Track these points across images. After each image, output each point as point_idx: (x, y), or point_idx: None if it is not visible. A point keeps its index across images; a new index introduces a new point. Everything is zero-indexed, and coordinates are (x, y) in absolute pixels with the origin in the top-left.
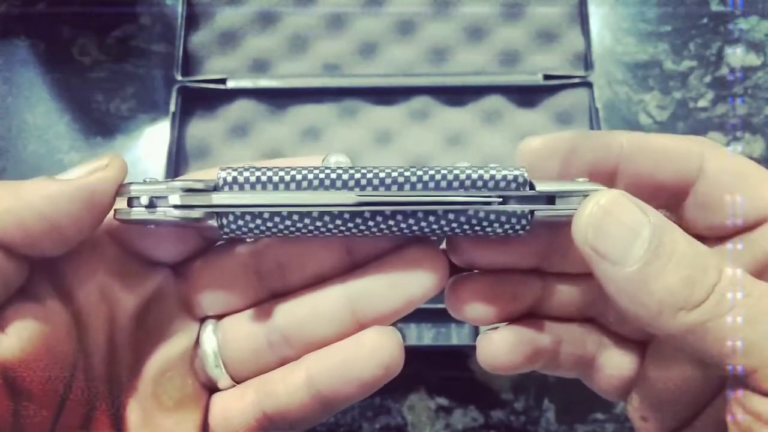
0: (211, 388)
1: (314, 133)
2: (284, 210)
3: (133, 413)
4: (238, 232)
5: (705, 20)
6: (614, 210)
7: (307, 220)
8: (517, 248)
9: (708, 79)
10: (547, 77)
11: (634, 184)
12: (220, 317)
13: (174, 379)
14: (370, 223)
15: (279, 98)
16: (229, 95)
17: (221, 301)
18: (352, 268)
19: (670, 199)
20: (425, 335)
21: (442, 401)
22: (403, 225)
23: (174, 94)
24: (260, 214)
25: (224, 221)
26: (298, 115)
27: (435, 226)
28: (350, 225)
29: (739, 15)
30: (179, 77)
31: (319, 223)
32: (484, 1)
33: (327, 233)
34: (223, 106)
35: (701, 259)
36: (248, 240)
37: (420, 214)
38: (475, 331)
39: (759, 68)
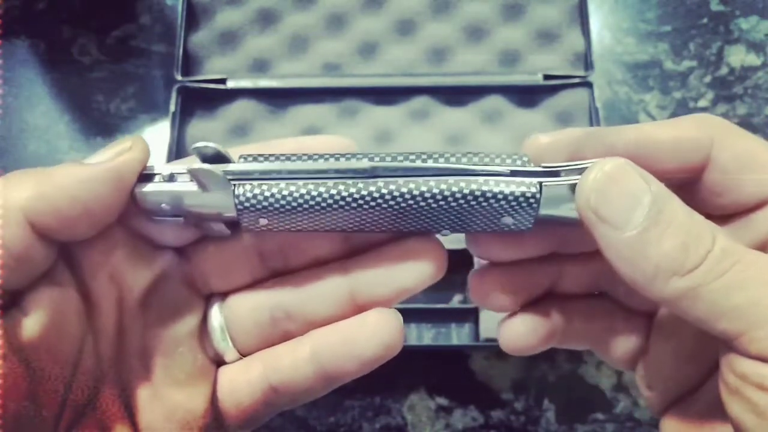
0: (219, 362)
1: (314, 133)
2: (301, 178)
3: (142, 389)
4: (253, 202)
5: (705, 20)
6: (617, 177)
7: (322, 189)
8: (534, 238)
9: (708, 79)
10: (547, 77)
11: None
12: (225, 294)
13: (185, 354)
14: (384, 191)
15: (279, 98)
16: (229, 95)
17: (225, 279)
18: (351, 254)
19: (680, 185)
20: (425, 335)
21: (442, 401)
22: (416, 194)
23: (174, 94)
24: (277, 184)
25: (241, 191)
26: (298, 115)
27: (447, 194)
28: (364, 194)
29: (739, 15)
30: (179, 77)
31: (334, 192)
32: (484, 1)
33: (343, 205)
34: (223, 106)
35: (697, 228)
36: (262, 222)
37: (432, 183)
38: (475, 332)
39: (759, 68)
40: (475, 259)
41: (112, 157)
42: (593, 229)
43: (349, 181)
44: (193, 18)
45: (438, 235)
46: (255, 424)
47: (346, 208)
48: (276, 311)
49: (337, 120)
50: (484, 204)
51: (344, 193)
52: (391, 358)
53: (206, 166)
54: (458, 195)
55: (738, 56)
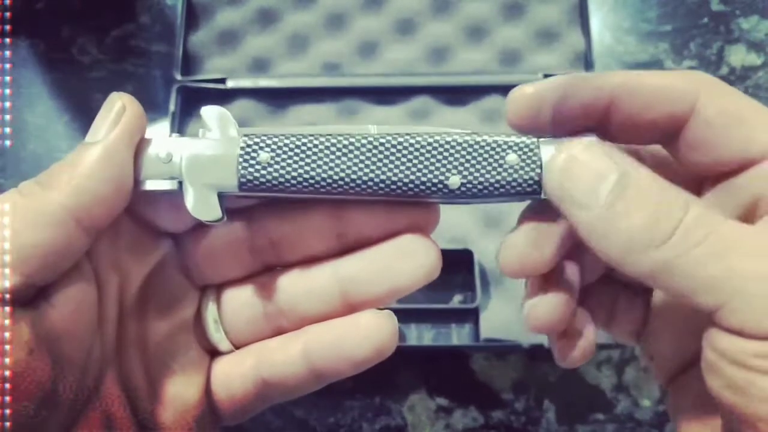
0: (213, 353)
1: None
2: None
3: (140, 379)
4: (258, 141)
5: (705, 20)
6: (583, 157)
7: (329, 136)
8: (556, 233)
9: None
10: (547, 77)
11: (625, 123)
12: (219, 287)
13: (180, 344)
14: (393, 147)
15: (279, 98)
16: (228, 95)
17: (218, 271)
18: (343, 251)
19: (662, 136)
20: (425, 336)
21: (443, 401)
22: (418, 152)
23: (174, 94)
24: (283, 134)
25: (246, 135)
26: (297, 114)
27: (452, 151)
28: (370, 139)
29: (740, 15)
30: (179, 77)
31: (338, 138)
32: (484, 1)
33: (347, 144)
34: (223, 105)
35: (668, 199)
36: (263, 157)
37: (437, 137)
38: (475, 332)
39: (759, 68)
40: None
41: (115, 122)
42: (565, 210)
43: (356, 140)
44: (193, 18)
45: (442, 201)
46: (247, 414)
47: (351, 148)
48: (268, 307)
49: (337, 120)
50: (488, 140)
51: (349, 140)
52: (390, 359)
53: (217, 107)
54: (462, 151)
55: (738, 56)
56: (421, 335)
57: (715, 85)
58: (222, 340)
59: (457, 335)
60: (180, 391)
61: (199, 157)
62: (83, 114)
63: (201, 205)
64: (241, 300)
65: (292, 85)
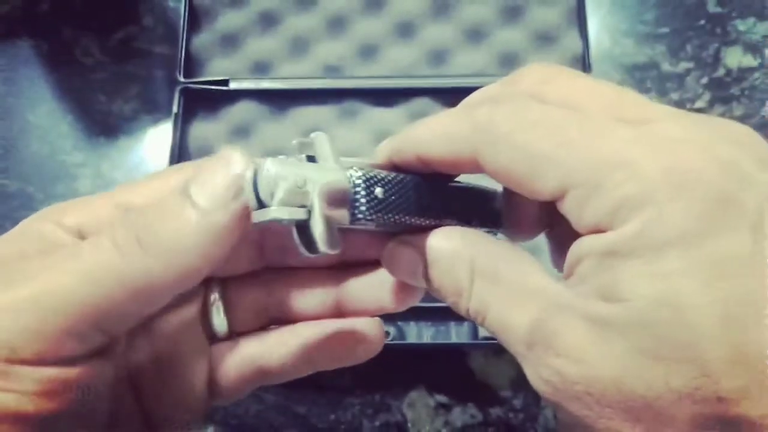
0: (215, 340)
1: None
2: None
3: (148, 368)
4: (373, 175)
5: (702, 22)
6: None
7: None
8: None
9: (705, 80)
10: None
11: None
12: (224, 279)
13: (187, 335)
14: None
15: (280, 99)
16: (231, 96)
17: (228, 266)
18: (342, 266)
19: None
20: (425, 333)
21: (442, 399)
22: (469, 198)
23: (176, 96)
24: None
25: (357, 169)
26: (299, 116)
27: (477, 198)
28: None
29: (737, 16)
30: (181, 78)
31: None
32: (483, 4)
33: (433, 195)
34: (225, 107)
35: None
36: (378, 192)
37: (480, 189)
38: (474, 330)
39: (756, 69)
40: None
41: (234, 194)
42: None
43: None
44: (195, 20)
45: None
46: (239, 396)
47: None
48: (269, 301)
49: (338, 121)
50: (487, 191)
51: (434, 179)
52: (390, 356)
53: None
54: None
55: (735, 57)
56: (421, 333)
57: (489, 141)
58: (222, 326)
59: (456, 333)
60: (186, 378)
61: (327, 185)
62: (87, 115)
63: (328, 235)
64: (244, 293)
65: (293, 87)
